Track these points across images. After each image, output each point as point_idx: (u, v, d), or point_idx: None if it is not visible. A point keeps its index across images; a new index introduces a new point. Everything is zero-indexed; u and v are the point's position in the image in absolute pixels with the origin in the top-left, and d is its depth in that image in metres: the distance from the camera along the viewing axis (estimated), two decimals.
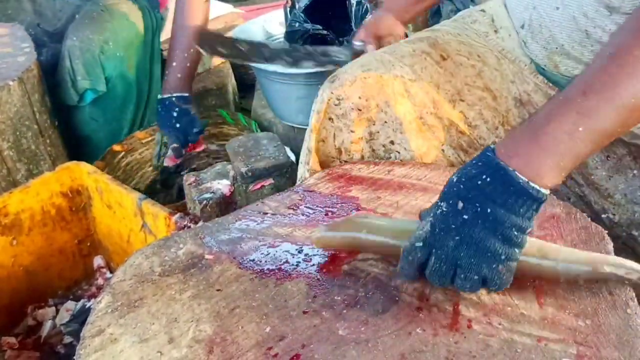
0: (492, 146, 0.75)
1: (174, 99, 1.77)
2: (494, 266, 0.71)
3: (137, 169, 2.18)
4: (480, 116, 1.18)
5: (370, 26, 1.54)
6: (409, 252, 0.75)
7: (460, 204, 0.72)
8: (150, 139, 2.22)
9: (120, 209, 1.54)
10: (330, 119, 1.14)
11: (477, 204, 0.71)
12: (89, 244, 1.68)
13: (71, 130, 2.21)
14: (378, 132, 1.15)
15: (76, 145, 2.24)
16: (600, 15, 1.00)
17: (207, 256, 0.85)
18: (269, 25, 2.48)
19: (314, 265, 0.83)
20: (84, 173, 1.58)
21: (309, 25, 2.11)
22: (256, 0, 3.24)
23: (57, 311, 1.57)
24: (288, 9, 2.26)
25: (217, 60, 2.62)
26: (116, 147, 2.13)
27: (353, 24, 2.18)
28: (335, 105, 1.13)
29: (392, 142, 1.15)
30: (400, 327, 0.72)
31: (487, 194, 0.71)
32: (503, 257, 0.71)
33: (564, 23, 1.05)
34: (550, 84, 1.16)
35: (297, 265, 0.83)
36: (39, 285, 1.58)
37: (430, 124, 1.16)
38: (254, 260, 0.84)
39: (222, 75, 2.63)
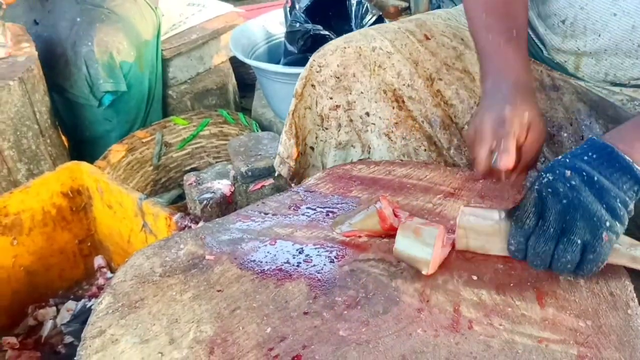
0: (594, 137, 0.80)
1: None
2: (598, 232, 0.73)
3: (137, 169, 2.18)
4: (457, 95, 1.20)
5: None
6: (520, 218, 0.77)
7: (568, 172, 0.75)
8: (150, 138, 2.22)
9: (120, 209, 1.54)
10: (312, 85, 1.20)
11: (584, 173, 0.75)
12: (89, 244, 1.68)
13: (80, 130, 2.21)
14: (355, 101, 1.19)
15: (83, 144, 2.25)
16: None
17: (207, 257, 0.85)
18: (269, 25, 2.48)
19: (314, 265, 0.83)
20: (85, 173, 1.58)
21: (309, 26, 2.11)
22: (256, 0, 3.24)
23: (58, 311, 1.58)
24: (288, 9, 2.26)
25: (217, 60, 2.62)
26: (117, 147, 2.13)
27: (353, 24, 2.19)
28: (317, 72, 1.19)
29: (367, 114, 1.19)
30: (401, 328, 0.72)
31: (594, 166, 0.75)
32: (607, 224, 0.73)
33: (617, 30, 1.00)
34: (536, 61, 1.16)
35: (297, 265, 0.83)
36: (40, 285, 1.58)
37: (408, 96, 1.19)
38: (254, 260, 0.84)
39: (223, 75, 2.63)
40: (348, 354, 0.68)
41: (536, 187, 0.77)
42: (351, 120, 1.20)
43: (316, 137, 1.25)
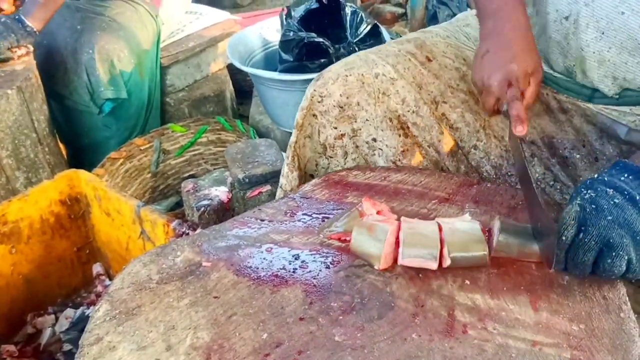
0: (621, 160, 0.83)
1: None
2: None
3: (135, 176, 2.19)
4: (462, 119, 1.19)
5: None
6: (558, 231, 0.77)
7: (610, 191, 0.78)
8: (148, 145, 2.23)
9: (118, 217, 1.55)
10: (314, 115, 1.18)
11: (626, 192, 0.78)
12: (87, 251, 1.68)
13: (79, 137, 2.22)
14: (360, 129, 1.17)
15: (82, 151, 2.26)
16: None
17: (204, 263, 0.85)
18: (266, 32, 2.49)
19: (310, 271, 0.83)
20: (83, 181, 1.59)
21: (303, 34, 2.12)
22: (253, 8, 3.26)
23: (57, 319, 1.58)
24: (284, 17, 2.27)
25: (214, 67, 2.63)
26: (115, 154, 2.14)
27: (348, 32, 2.20)
28: (319, 102, 1.16)
29: (374, 140, 1.17)
30: (396, 332, 0.73)
31: (632, 187, 0.78)
32: None
33: (623, 29, 0.99)
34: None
35: (293, 271, 0.83)
36: (38, 293, 1.58)
37: (412, 122, 1.17)
38: (251, 267, 0.84)
39: (220, 82, 2.64)
40: (343, 359, 0.69)
41: (578, 201, 0.79)
42: (357, 147, 1.18)
43: (316, 165, 1.22)
